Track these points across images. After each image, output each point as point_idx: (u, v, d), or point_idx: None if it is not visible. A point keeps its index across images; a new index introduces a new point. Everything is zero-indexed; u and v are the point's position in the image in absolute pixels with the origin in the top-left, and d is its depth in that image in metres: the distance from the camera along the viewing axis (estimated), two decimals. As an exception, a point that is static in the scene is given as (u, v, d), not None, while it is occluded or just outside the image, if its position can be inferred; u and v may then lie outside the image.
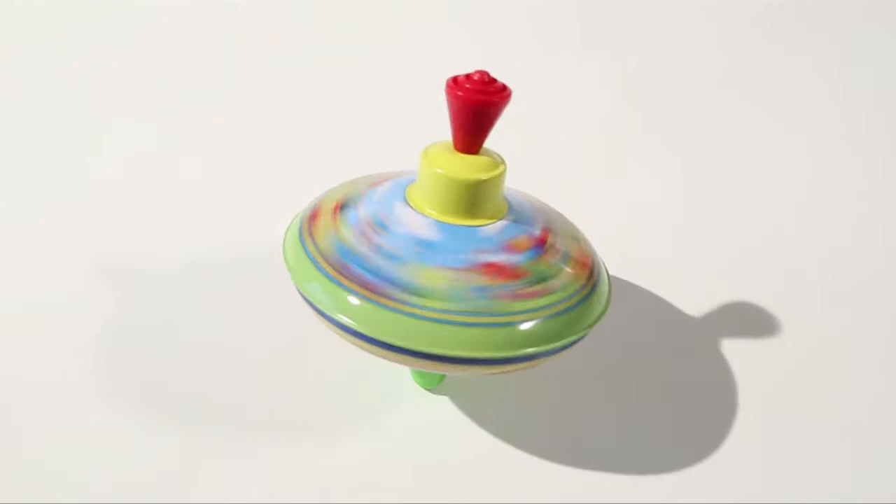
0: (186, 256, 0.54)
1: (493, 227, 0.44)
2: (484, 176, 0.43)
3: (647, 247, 0.54)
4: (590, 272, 0.45)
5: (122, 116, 0.59)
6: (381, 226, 0.44)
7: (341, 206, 0.46)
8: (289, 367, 0.51)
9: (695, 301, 0.52)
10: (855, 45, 0.60)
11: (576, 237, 0.47)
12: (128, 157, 0.57)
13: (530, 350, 0.41)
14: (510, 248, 0.43)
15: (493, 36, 0.61)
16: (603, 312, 0.45)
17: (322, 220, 0.46)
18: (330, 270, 0.43)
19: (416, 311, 0.41)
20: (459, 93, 0.41)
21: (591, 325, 0.44)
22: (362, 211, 0.45)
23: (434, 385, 0.49)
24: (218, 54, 0.61)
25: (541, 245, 0.44)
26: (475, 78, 0.42)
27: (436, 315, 0.41)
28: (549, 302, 0.42)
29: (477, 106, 0.41)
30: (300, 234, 0.46)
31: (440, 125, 0.59)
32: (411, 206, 0.44)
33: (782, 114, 0.58)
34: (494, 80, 0.42)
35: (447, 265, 0.42)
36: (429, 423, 0.47)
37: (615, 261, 0.54)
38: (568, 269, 0.44)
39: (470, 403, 0.49)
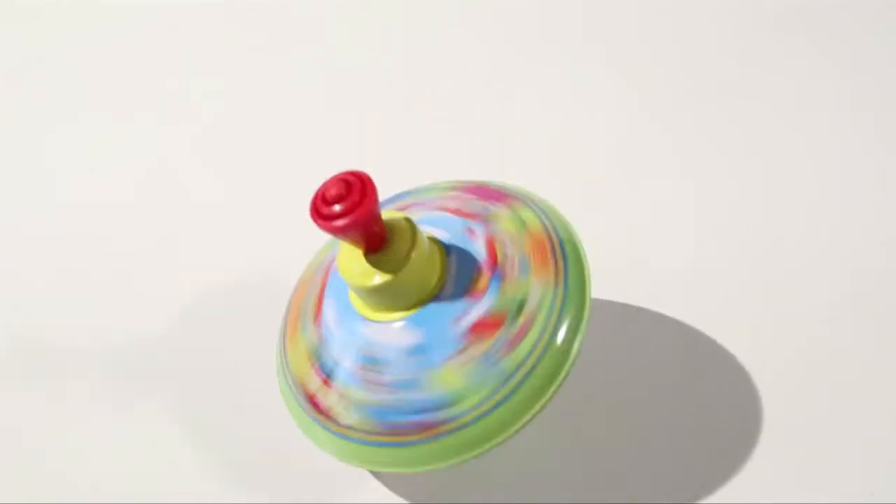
0: (196, 273, 0.54)
1: (446, 292, 0.39)
2: (374, 282, 0.37)
3: (657, 257, 0.54)
4: (553, 257, 0.40)
5: (131, 124, 0.59)
6: (371, 362, 0.39)
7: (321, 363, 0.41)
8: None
9: (707, 311, 0.52)
10: (869, 49, 0.60)
11: (517, 215, 0.41)
12: (137, 169, 0.57)
13: (552, 390, 0.39)
14: (473, 295, 0.39)
15: (502, 41, 0.61)
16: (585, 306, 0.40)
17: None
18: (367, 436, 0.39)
19: (453, 424, 0.38)
20: (315, 219, 0.36)
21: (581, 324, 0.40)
22: (345, 358, 0.40)
23: None
24: (226, 59, 0.61)
25: (494, 266, 0.40)
26: (319, 198, 0.36)
27: (469, 417, 0.38)
28: (537, 333, 0.39)
29: (325, 230, 0.36)
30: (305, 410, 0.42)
31: (461, 140, 0.59)
32: (364, 316, 0.40)
33: (804, 123, 0.58)
34: (333, 200, 0.36)
35: (449, 355, 0.39)
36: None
37: (625, 271, 0.54)
38: (532, 278, 0.39)
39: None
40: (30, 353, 0.50)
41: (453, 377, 0.38)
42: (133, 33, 0.61)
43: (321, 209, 0.35)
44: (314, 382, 0.41)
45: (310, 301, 0.42)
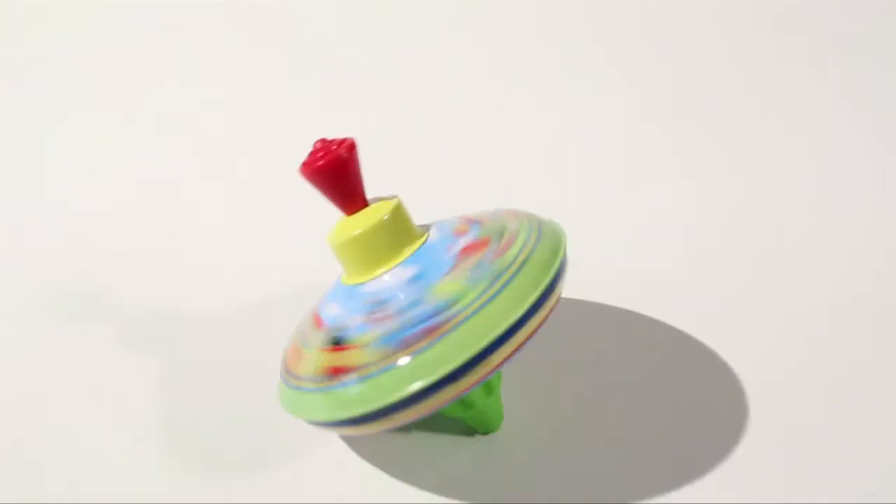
0: (195, 272, 0.54)
1: (432, 240, 0.44)
2: (353, 234, 0.43)
3: (657, 257, 0.54)
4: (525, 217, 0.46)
5: (131, 124, 0.59)
6: (378, 305, 0.43)
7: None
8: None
9: (706, 312, 0.52)
10: (869, 49, 0.60)
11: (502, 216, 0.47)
12: (137, 178, 0.57)
13: (550, 278, 0.42)
14: (457, 234, 0.44)
15: (502, 41, 0.61)
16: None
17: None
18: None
19: (455, 320, 0.41)
20: (301, 167, 0.44)
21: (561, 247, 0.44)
22: (354, 319, 0.43)
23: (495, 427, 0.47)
24: (225, 60, 0.61)
25: (475, 221, 0.45)
26: (311, 152, 0.44)
27: (470, 310, 0.41)
28: (522, 241, 0.43)
29: (313, 174, 0.43)
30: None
31: (461, 140, 0.59)
32: (364, 281, 0.44)
33: (804, 123, 0.58)
34: (327, 147, 0.44)
35: (444, 272, 0.43)
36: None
37: (625, 271, 0.54)
38: (510, 220, 0.45)
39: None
40: (30, 352, 0.50)
41: (451, 286, 0.42)
42: (133, 33, 0.61)
43: (309, 157, 0.43)
44: (329, 358, 0.43)
45: (307, 325, 0.45)
